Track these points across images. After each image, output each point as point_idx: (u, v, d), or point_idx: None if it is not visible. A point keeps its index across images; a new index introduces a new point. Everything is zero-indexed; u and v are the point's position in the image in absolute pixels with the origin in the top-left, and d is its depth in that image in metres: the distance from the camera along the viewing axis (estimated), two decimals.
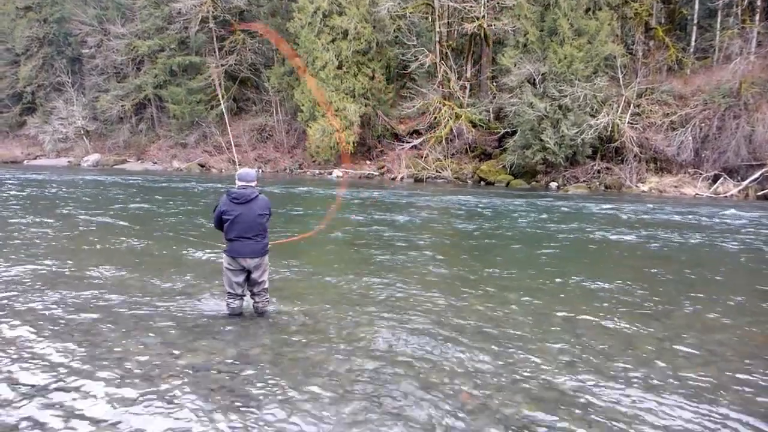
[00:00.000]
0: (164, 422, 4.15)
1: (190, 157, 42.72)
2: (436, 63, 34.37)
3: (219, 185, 27.00)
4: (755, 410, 4.59)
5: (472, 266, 10.06)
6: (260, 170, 38.71)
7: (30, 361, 5.17)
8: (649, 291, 8.30)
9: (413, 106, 33.86)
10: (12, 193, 21.18)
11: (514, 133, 29.79)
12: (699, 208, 19.76)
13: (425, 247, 11.89)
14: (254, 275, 6.41)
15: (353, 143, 34.79)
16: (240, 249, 6.27)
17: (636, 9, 30.46)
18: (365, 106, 35.12)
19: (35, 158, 49.31)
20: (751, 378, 5.21)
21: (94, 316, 6.51)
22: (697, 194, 24.99)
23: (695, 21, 31.84)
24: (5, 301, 6.97)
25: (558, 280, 8.94)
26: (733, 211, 18.51)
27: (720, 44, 29.73)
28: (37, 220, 14.15)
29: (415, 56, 34.18)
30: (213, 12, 41.96)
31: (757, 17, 28.98)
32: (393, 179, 33.60)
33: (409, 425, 4.20)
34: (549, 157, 27.87)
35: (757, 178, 24.52)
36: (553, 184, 28.69)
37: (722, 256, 11.44)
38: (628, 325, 6.62)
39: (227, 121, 41.18)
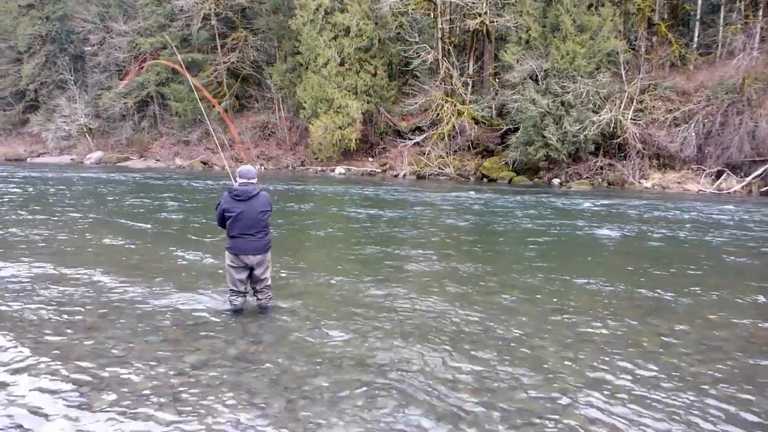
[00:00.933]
0: (166, 420, 4.17)
1: (193, 155, 42.79)
2: (438, 59, 34.31)
3: (211, 183, 27.02)
4: (759, 406, 4.59)
5: (471, 263, 10.06)
6: (263, 167, 38.75)
7: (32, 358, 5.19)
8: (648, 287, 8.28)
9: (415, 103, 33.84)
10: (14, 190, 21.23)
11: (516, 129, 29.73)
12: (699, 204, 19.72)
13: (425, 245, 11.90)
14: (257, 272, 6.43)
15: (355, 140, 34.78)
16: (243, 246, 6.30)
17: (638, 4, 30.38)
18: (367, 103, 35.11)
19: (38, 156, 49.44)
20: (754, 374, 5.21)
21: (96, 313, 6.53)
22: (700, 190, 24.94)
23: (698, 16, 31.72)
24: (5, 298, 6.99)
25: (557, 276, 8.93)
26: (731, 207, 18.49)
27: (723, 40, 29.64)
28: (38, 218, 14.19)
29: (417, 53, 34.10)
30: (215, 9, 41.97)
31: (761, 12, 28.85)
32: (395, 176, 33.59)
33: (409, 424, 4.21)
34: (551, 153, 27.81)
35: (761, 174, 24.43)
36: (556, 181, 28.65)
37: (720, 253, 11.40)
38: (627, 321, 6.62)
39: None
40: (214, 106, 41.63)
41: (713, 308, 7.29)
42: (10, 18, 52.50)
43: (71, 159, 46.77)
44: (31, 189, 21.96)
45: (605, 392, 4.77)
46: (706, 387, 4.90)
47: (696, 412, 4.46)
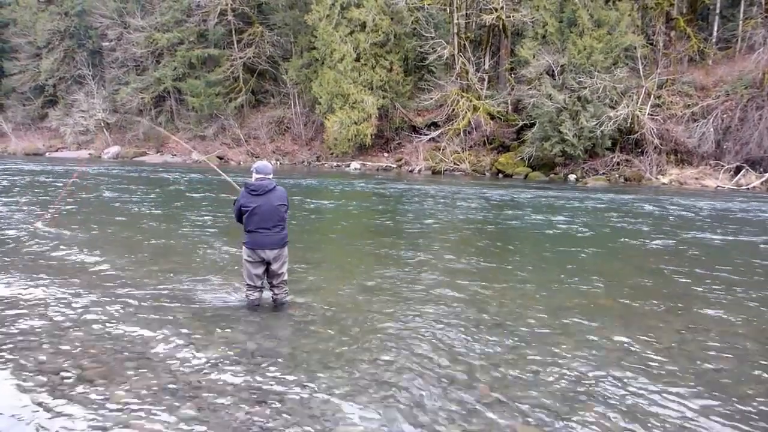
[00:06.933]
0: (183, 415, 4.22)
1: (209, 150, 43.00)
2: (454, 55, 34.20)
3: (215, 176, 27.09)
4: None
5: (488, 258, 10.06)
6: (278, 162, 38.87)
7: (50, 351, 5.27)
8: (664, 284, 8.24)
9: (431, 98, 33.76)
10: (44, 180, 21.50)
11: (532, 125, 29.59)
12: (716, 200, 19.52)
13: (439, 240, 11.91)
14: (273, 267, 6.47)
15: (371, 135, 34.81)
16: (260, 240, 6.34)
17: None
18: (383, 98, 35.11)
19: (57, 150, 49.96)
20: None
21: (115, 306, 6.61)
22: (718, 186, 24.68)
23: (717, 10, 31.34)
24: (24, 290, 7.10)
25: (573, 272, 8.91)
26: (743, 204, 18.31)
27: (743, 34, 29.28)
28: (57, 208, 14.34)
29: (433, 48, 34.04)
30: (232, 5, 42.15)
31: None
32: (411, 172, 33.58)
33: (426, 417, 4.24)
34: (568, 149, 27.65)
35: None
36: (572, 177, 28.49)
37: (738, 251, 11.31)
38: (646, 318, 6.60)
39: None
40: (229, 102, 42.01)
41: (738, 304, 7.22)
42: (30, 13, 53.04)
43: (89, 153, 47.20)
44: (55, 181, 22.21)
45: (627, 387, 4.76)
46: (731, 386, 4.88)
47: (718, 407, 4.45)
